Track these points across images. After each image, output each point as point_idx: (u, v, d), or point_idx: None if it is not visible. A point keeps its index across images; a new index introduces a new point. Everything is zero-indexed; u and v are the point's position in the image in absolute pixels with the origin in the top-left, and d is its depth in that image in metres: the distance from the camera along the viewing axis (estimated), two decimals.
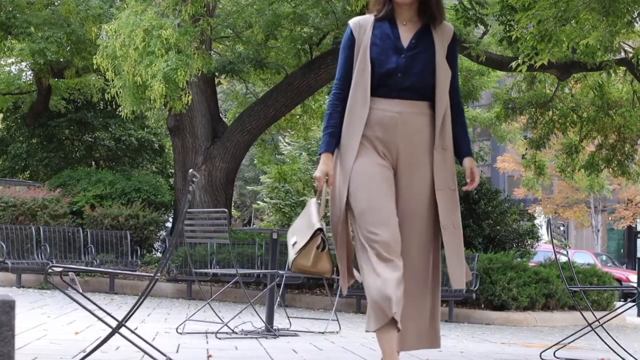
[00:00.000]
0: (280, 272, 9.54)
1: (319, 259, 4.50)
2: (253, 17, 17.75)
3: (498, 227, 18.09)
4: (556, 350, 7.81)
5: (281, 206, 33.31)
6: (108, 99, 18.06)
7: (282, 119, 21.41)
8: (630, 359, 7.64)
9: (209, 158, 19.24)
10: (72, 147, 27.91)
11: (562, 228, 8.62)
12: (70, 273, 9.92)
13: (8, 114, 28.11)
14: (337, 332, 9.64)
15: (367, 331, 4.43)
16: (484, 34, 17.99)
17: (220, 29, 19.62)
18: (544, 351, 7.82)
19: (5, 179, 24.24)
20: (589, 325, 7.46)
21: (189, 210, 8.22)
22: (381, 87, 4.56)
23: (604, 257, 36.24)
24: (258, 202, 37.79)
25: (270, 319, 8.96)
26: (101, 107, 26.79)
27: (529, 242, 18.70)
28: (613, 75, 16.88)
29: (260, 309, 10.86)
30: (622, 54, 15.89)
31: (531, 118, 19.77)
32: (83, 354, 5.38)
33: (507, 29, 13.96)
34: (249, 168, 40.40)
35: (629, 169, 19.51)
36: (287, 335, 8.84)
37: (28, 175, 27.29)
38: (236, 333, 8.52)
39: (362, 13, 13.43)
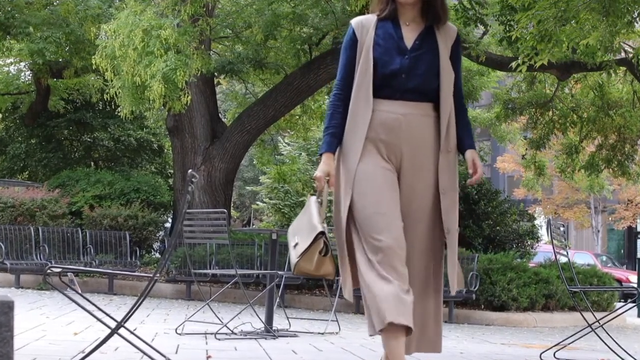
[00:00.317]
0: (280, 272, 9.52)
1: (322, 262, 4.46)
2: (252, 17, 17.72)
3: (498, 228, 18.09)
4: (556, 351, 7.81)
5: (280, 206, 33.31)
6: (107, 99, 18.04)
7: (282, 119, 21.40)
8: None
9: (208, 158, 19.22)
10: (71, 148, 27.89)
11: (562, 228, 8.59)
12: (69, 274, 9.87)
13: (7, 114, 28.09)
14: (336, 333, 9.62)
15: (371, 335, 4.41)
16: (484, 34, 17.98)
17: (220, 29, 19.60)
18: (544, 352, 7.82)
19: (4, 179, 24.21)
20: (589, 326, 7.44)
21: (188, 210, 8.20)
22: (384, 88, 4.52)
23: (604, 258, 36.23)
24: (257, 202, 37.79)
25: (269, 320, 8.94)
26: (100, 108, 26.76)
27: (529, 243, 18.70)
28: (613, 75, 16.87)
29: (260, 309, 10.84)
30: (622, 54, 15.89)
31: (531, 118, 19.77)
32: (82, 355, 5.37)
33: (507, 29, 13.95)
34: (248, 168, 40.39)
35: (629, 170, 19.51)
36: (287, 336, 8.83)
37: (27, 176, 27.27)
38: (235, 334, 8.50)
39: (361, 13, 13.44)
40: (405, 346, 4.45)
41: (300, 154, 33.97)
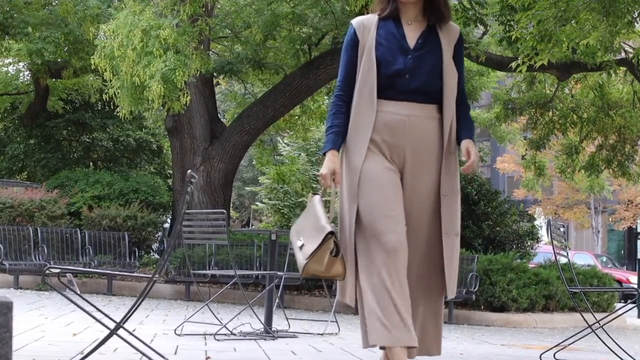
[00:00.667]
0: (279, 273, 9.50)
1: (333, 263, 4.38)
2: (252, 17, 17.72)
3: (498, 228, 18.06)
4: (556, 352, 7.80)
5: (280, 207, 33.32)
6: (106, 99, 18.03)
7: (281, 119, 21.38)
8: None
9: (208, 159, 19.20)
10: (69, 148, 27.85)
11: (562, 229, 8.58)
12: (68, 274, 9.85)
13: (5, 115, 28.06)
14: (336, 334, 9.60)
15: (372, 345, 4.39)
16: (484, 34, 17.98)
17: (219, 29, 19.60)
18: (544, 353, 7.81)
19: (3, 179, 24.18)
20: (589, 326, 7.44)
21: (187, 211, 8.17)
22: (388, 89, 4.48)
23: (604, 258, 36.21)
24: (257, 203, 37.80)
25: (269, 321, 8.92)
26: (99, 108, 26.74)
27: (528, 243, 18.67)
28: (613, 75, 16.89)
29: (259, 310, 10.82)
30: (623, 54, 15.89)
31: (531, 118, 19.77)
32: (81, 356, 5.36)
33: (507, 29, 13.94)
34: (247, 169, 40.39)
35: (629, 170, 19.51)
36: (286, 337, 8.81)
37: (25, 176, 27.24)
38: (235, 334, 8.48)
39: (361, 13, 13.42)
40: (410, 349, 4.43)
41: (300, 154, 33.97)
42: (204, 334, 8.36)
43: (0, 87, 26.55)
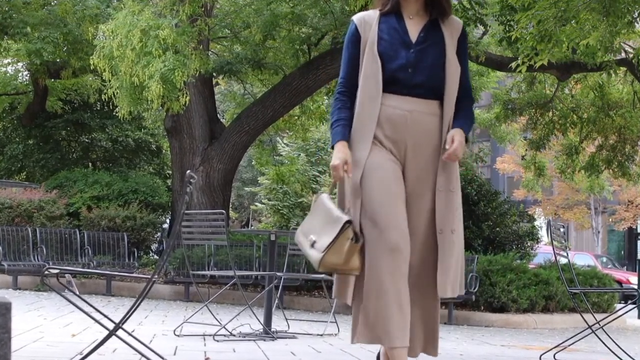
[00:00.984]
0: (279, 274, 9.49)
1: (351, 254, 4.26)
2: (251, 17, 17.70)
3: (498, 229, 18.03)
4: (556, 353, 7.79)
5: (279, 207, 33.33)
6: (105, 99, 17.99)
7: (280, 119, 21.36)
8: None
9: (207, 159, 19.18)
10: (68, 148, 27.83)
11: (562, 229, 8.57)
12: (66, 275, 9.84)
13: (4, 115, 28.03)
14: (335, 335, 9.58)
15: (366, 342, 4.39)
16: (484, 34, 17.97)
17: (218, 29, 19.58)
18: (544, 353, 7.79)
19: (2, 180, 24.16)
20: (589, 327, 7.43)
21: (186, 211, 8.15)
22: (391, 84, 4.44)
23: (605, 259, 36.22)
24: (256, 203, 37.82)
25: (268, 321, 8.91)
26: (98, 108, 26.71)
27: (528, 244, 18.65)
28: (613, 75, 16.89)
29: (258, 311, 10.80)
30: (623, 55, 15.89)
31: (531, 119, 19.77)
32: (80, 357, 5.36)
33: (507, 29, 13.95)
34: (247, 169, 40.38)
35: (630, 170, 19.52)
36: (285, 338, 8.81)
37: (24, 177, 27.20)
38: (234, 335, 8.46)
39: None
40: (411, 348, 4.41)
41: (299, 154, 33.97)
42: (203, 335, 8.34)
43: None
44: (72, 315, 9.81)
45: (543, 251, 20.98)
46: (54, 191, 19.68)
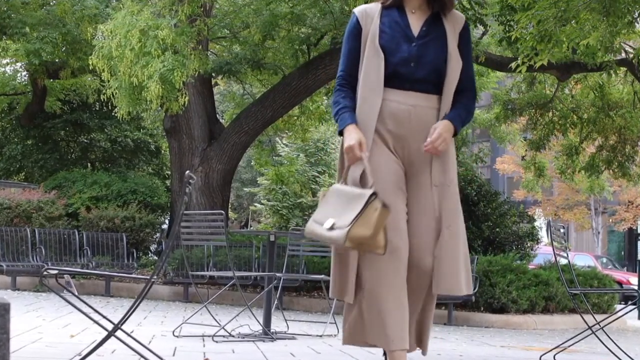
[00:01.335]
0: (278, 274, 9.47)
1: (380, 226, 4.10)
2: (250, 17, 17.67)
3: (497, 229, 18.02)
4: (556, 354, 7.77)
5: (278, 208, 33.28)
6: (104, 100, 17.96)
7: (280, 120, 21.34)
8: None
9: (206, 159, 19.16)
10: (67, 149, 27.82)
11: (562, 230, 8.56)
12: (65, 275, 9.83)
13: (3, 115, 28.02)
14: (335, 335, 9.55)
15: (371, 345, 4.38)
16: (484, 34, 17.96)
17: (217, 29, 19.54)
18: (544, 354, 7.76)
19: (0, 180, 24.14)
20: (590, 328, 7.42)
21: (185, 212, 8.13)
22: (393, 78, 4.39)
23: (605, 260, 36.20)
24: (255, 204, 37.78)
25: (267, 322, 8.89)
26: (97, 108, 26.70)
27: (528, 245, 18.64)
28: (613, 75, 16.87)
29: (258, 311, 10.78)
30: (623, 55, 15.88)
31: (531, 119, 19.76)
32: (79, 357, 5.35)
33: (507, 29, 13.94)
34: (246, 170, 40.35)
35: (630, 171, 19.51)
36: (285, 339, 8.79)
37: (23, 177, 27.19)
38: (233, 336, 8.45)
39: None
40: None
41: (299, 155, 33.94)
42: (202, 336, 8.33)
43: None
44: (71, 316, 9.79)
45: (543, 252, 20.95)
46: (53, 192, 19.66)
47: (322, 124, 25.55)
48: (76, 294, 5.49)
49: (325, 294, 13.97)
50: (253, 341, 8.22)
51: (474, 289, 14.44)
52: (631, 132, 18.42)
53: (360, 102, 4.44)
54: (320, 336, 9.43)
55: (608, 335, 7.85)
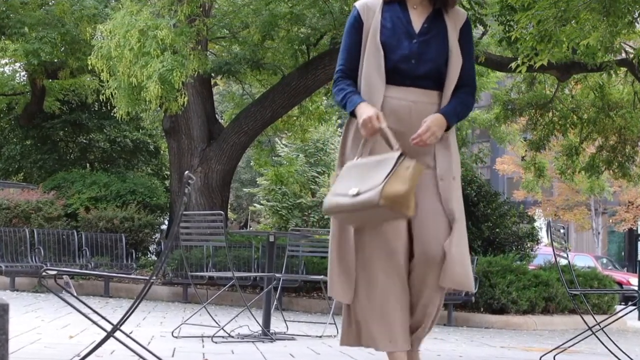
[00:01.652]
0: (277, 275, 9.46)
1: (414, 182, 3.99)
2: (249, 17, 17.66)
3: (497, 230, 18.01)
4: (556, 354, 7.76)
5: (278, 208, 33.26)
6: (103, 100, 17.94)
7: (279, 120, 21.32)
8: None
9: (205, 160, 19.14)
10: (66, 149, 27.79)
11: (562, 230, 8.54)
12: (64, 276, 9.81)
13: (2, 116, 27.99)
14: (334, 336, 9.53)
15: (372, 347, 4.35)
16: (483, 34, 17.94)
17: (217, 29, 19.51)
18: (544, 355, 7.74)
19: None
20: (590, 329, 7.42)
21: (184, 212, 8.11)
22: (394, 74, 4.35)
23: (605, 260, 36.20)
24: (254, 204, 37.75)
25: (267, 323, 8.88)
26: (96, 109, 26.68)
27: (528, 245, 18.63)
28: (614, 76, 16.87)
29: (257, 312, 10.76)
30: (623, 55, 15.87)
31: (531, 119, 19.75)
32: (78, 358, 5.36)
33: (507, 29, 13.93)
34: (245, 170, 40.34)
35: (630, 171, 19.51)
36: (284, 339, 8.79)
37: (22, 177, 27.17)
38: (232, 337, 8.44)
39: None
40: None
41: (298, 155, 33.92)
42: (202, 337, 8.31)
43: None
44: (70, 317, 9.78)
45: (543, 252, 20.93)
46: (52, 192, 19.64)
47: (322, 125, 25.54)
48: (75, 294, 5.48)
49: (324, 295, 13.95)
50: (252, 342, 8.21)
51: (474, 289, 14.42)
52: (631, 133, 18.42)
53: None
54: (320, 337, 9.42)
55: (608, 336, 7.84)
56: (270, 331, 8.86)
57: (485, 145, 36.73)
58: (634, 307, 17.17)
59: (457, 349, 9.29)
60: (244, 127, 19.31)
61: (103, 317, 5.35)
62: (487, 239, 17.84)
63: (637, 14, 11.52)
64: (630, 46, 16.56)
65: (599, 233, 45.13)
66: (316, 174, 33.98)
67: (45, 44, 19.02)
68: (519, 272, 15.15)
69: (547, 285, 15.38)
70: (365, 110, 4.24)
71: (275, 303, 10.64)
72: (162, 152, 28.14)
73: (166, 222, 22.52)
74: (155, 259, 19.96)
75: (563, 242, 8.34)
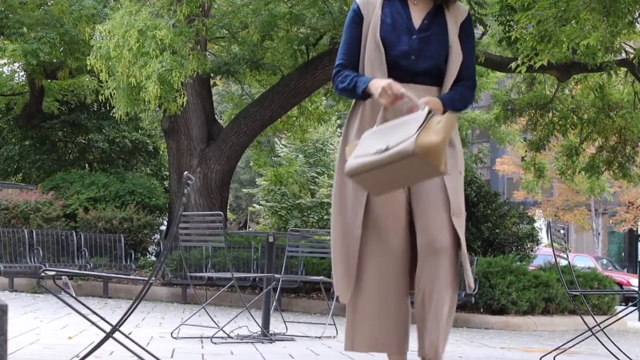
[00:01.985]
0: (277, 275, 9.44)
1: (449, 132, 3.84)
2: (249, 18, 17.65)
3: (497, 231, 17.99)
4: (556, 355, 7.74)
5: (277, 209, 33.26)
6: (102, 100, 17.94)
7: (278, 120, 21.31)
8: None
9: (204, 160, 19.13)
10: (65, 149, 27.75)
11: (562, 231, 8.53)
12: (63, 277, 9.77)
13: (0, 116, 27.97)
14: (334, 337, 9.53)
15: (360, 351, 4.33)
16: (483, 34, 17.94)
17: (216, 29, 19.51)
18: (544, 356, 7.72)
19: None
20: (590, 329, 7.41)
21: (183, 213, 8.09)
22: (393, 70, 4.29)
23: (605, 261, 36.18)
24: (254, 204, 37.76)
25: (266, 324, 8.87)
26: (95, 109, 26.65)
27: (528, 246, 18.61)
28: (614, 76, 16.86)
29: (256, 313, 10.73)
30: (623, 55, 15.86)
31: (531, 120, 19.75)
32: (77, 359, 5.34)
33: (507, 29, 13.92)
34: (244, 170, 40.35)
35: (630, 172, 19.50)
36: (284, 340, 8.78)
37: (21, 178, 27.12)
38: (232, 338, 8.42)
39: None
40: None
41: (297, 155, 33.93)
42: (201, 337, 8.30)
43: None
44: (69, 318, 9.76)
45: (543, 253, 20.92)
46: (51, 192, 19.62)
47: (321, 125, 25.52)
48: (74, 295, 5.46)
49: (324, 296, 13.93)
50: (252, 343, 8.20)
51: (474, 290, 14.40)
52: (631, 133, 18.41)
53: None
54: (319, 338, 9.41)
55: (608, 337, 7.83)
56: (270, 332, 8.85)
57: (485, 146, 36.77)
58: (634, 308, 17.15)
59: (457, 349, 9.26)
60: (243, 128, 19.31)
61: (102, 318, 5.35)
62: (486, 240, 17.81)
63: (637, 14, 11.51)
64: (630, 46, 16.56)
65: (599, 234, 45.12)
66: (315, 175, 33.99)
67: (44, 44, 19.01)
68: (519, 273, 15.12)
69: (547, 286, 15.36)
70: (380, 82, 4.14)
71: (274, 304, 10.63)
72: (161, 152, 28.11)
73: (165, 223, 22.50)
74: (154, 259, 19.95)
75: (563, 243, 8.33)
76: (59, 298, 5.15)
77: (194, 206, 18.49)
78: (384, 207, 4.25)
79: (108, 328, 5.14)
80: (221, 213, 9.22)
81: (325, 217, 32.04)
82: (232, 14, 18.71)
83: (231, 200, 40.91)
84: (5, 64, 27.41)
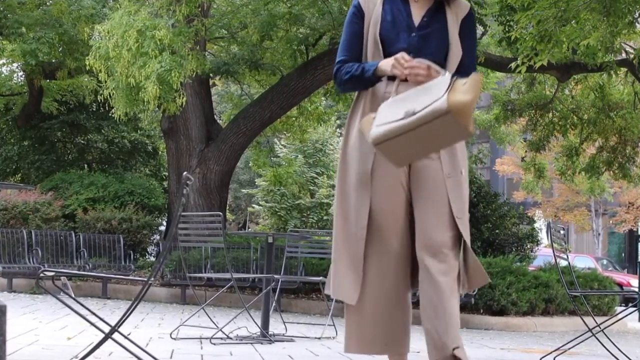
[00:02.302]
0: (276, 276, 9.43)
1: (478, 91, 3.77)
2: (248, 18, 17.64)
3: (497, 231, 17.98)
4: (556, 356, 7.74)
5: (277, 209, 33.27)
6: (101, 100, 17.90)
7: (278, 120, 21.29)
8: None
9: (204, 161, 19.11)
10: (64, 150, 27.74)
11: (562, 232, 8.51)
12: (62, 277, 9.75)
13: None
14: (333, 338, 9.51)
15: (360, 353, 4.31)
16: (483, 34, 17.92)
17: (215, 29, 19.50)
18: (544, 357, 7.72)
19: None
20: (590, 330, 7.41)
21: (183, 213, 8.08)
22: None
23: (605, 261, 36.17)
24: (253, 205, 37.76)
25: (265, 324, 8.86)
26: (94, 109, 26.64)
27: (528, 246, 18.60)
28: (614, 76, 16.85)
29: (256, 314, 10.71)
30: (623, 55, 15.86)
31: (531, 120, 19.75)
32: None
33: (507, 29, 13.91)
34: (244, 171, 40.34)
35: (630, 172, 19.50)
36: (283, 341, 8.77)
37: (19, 178, 27.11)
38: (231, 338, 8.42)
39: None
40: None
41: (297, 156, 33.93)
42: (200, 338, 8.29)
43: None
44: (68, 318, 9.76)
45: (543, 253, 20.90)
46: (50, 193, 19.61)
47: (321, 125, 25.50)
48: (73, 296, 5.46)
49: (323, 296, 13.92)
50: (251, 343, 8.19)
51: (473, 291, 14.38)
52: (632, 133, 18.41)
53: (359, 95, 4.34)
54: (319, 338, 9.40)
55: (608, 338, 7.84)
56: (269, 333, 8.84)
57: (485, 146, 36.73)
58: (634, 309, 17.13)
59: None
60: (242, 128, 19.29)
61: (101, 319, 5.34)
62: (486, 240, 17.81)
63: (637, 14, 11.51)
64: (630, 46, 16.55)
65: (599, 234, 45.10)
66: (315, 175, 33.98)
67: (42, 44, 19.00)
68: (519, 274, 15.11)
69: (547, 286, 15.35)
70: (388, 61, 4.13)
71: (273, 304, 10.61)
72: (160, 152, 28.10)
73: (164, 223, 22.49)
74: (154, 260, 19.94)
75: (563, 243, 8.32)
76: (57, 299, 5.15)
77: (193, 207, 18.47)
78: (385, 207, 4.23)
79: (107, 329, 5.14)
80: (220, 213, 9.21)
81: (325, 217, 32.07)
82: (232, 14, 18.71)
83: (230, 201, 40.89)
84: (4, 64, 27.39)
